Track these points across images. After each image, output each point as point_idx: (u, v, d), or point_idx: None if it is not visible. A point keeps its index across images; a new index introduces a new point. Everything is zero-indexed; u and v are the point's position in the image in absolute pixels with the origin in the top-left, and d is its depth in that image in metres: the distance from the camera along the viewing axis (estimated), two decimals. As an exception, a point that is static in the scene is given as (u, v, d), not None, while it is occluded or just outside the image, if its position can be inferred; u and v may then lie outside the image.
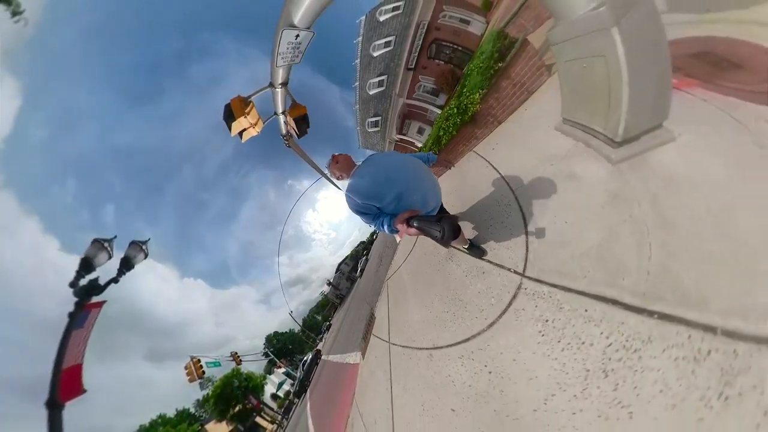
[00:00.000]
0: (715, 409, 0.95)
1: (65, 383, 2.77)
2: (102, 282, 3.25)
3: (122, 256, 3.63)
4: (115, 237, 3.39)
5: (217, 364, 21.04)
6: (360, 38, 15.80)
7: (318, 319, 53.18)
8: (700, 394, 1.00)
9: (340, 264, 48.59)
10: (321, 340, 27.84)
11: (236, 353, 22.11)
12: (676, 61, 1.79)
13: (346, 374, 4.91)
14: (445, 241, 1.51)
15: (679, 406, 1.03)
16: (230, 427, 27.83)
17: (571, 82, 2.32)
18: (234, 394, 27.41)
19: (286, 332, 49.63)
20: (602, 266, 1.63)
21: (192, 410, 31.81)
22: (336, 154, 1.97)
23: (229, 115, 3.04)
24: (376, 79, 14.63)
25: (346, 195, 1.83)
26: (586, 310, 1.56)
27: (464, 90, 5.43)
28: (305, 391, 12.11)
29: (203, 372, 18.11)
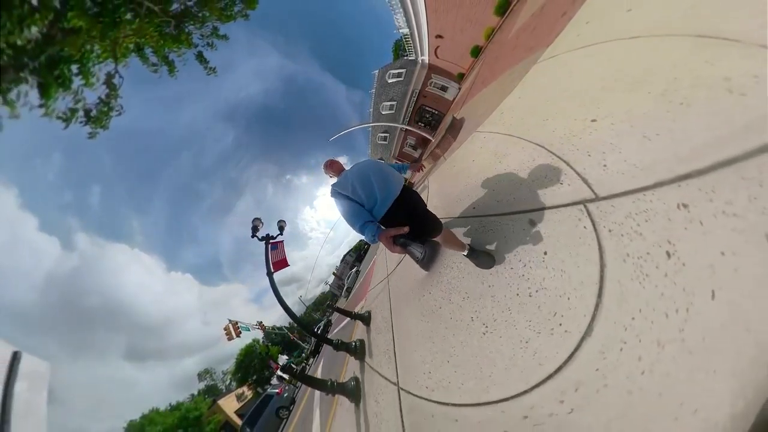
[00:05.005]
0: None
1: (275, 265, 5.45)
2: (273, 234, 5.81)
3: (278, 225, 6.24)
4: (259, 218, 5.81)
5: (247, 329, 25.78)
6: (373, 90, 21.65)
7: (316, 317, 56.83)
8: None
9: (345, 255, 52.94)
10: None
11: (261, 322, 27.24)
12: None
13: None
14: (425, 264, 1.58)
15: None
16: (251, 393, 31.85)
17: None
18: (253, 363, 31.81)
19: (284, 328, 53.87)
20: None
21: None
22: (329, 159, 2.43)
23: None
24: (383, 134, 20.77)
25: (331, 187, 2.12)
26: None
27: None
28: (318, 353, 13.62)
29: (240, 332, 22.31)
